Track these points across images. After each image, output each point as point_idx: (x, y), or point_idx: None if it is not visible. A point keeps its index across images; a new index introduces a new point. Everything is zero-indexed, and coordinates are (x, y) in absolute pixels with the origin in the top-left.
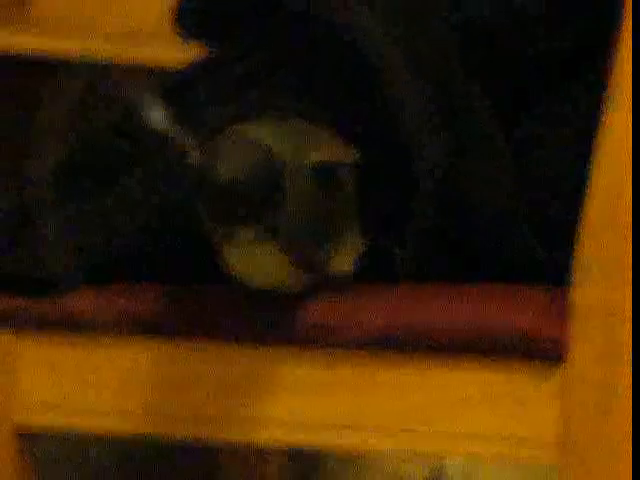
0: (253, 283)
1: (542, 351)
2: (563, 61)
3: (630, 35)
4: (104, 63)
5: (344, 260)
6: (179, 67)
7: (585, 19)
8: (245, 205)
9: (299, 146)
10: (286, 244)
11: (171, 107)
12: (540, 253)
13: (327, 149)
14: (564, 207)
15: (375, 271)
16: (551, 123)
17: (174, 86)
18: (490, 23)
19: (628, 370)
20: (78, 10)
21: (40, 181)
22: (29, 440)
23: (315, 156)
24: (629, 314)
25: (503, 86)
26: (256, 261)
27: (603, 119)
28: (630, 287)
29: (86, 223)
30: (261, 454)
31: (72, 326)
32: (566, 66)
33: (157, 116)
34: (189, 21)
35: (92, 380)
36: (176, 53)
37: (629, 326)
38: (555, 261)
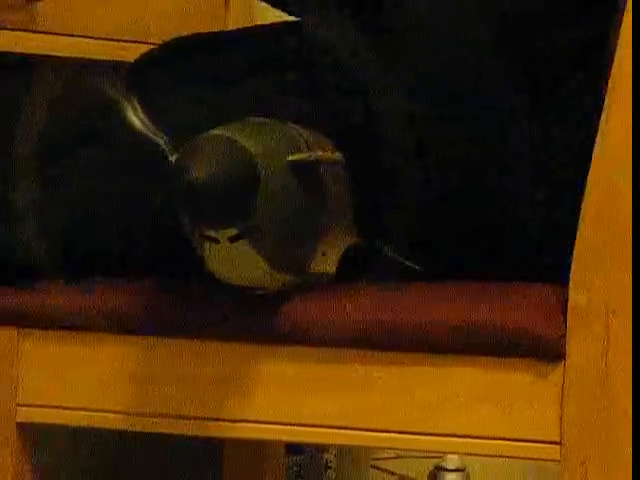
0: (232, 282)
1: (542, 349)
2: (568, 61)
3: (630, 34)
4: (90, 59)
5: (328, 260)
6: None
7: (589, 16)
8: (222, 206)
9: (277, 146)
10: (263, 245)
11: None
12: (540, 251)
13: (307, 149)
14: (564, 205)
15: (364, 270)
16: (554, 124)
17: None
18: (497, 20)
19: (628, 368)
20: (84, 10)
21: (17, 171)
22: (32, 434)
23: (294, 156)
24: (629, 312)
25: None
26: (235, 260)
27: (602, 119)
28: (630, 285)
29: (60, 212)
30: (263, 451)
31: (65, 325)
32: (572, 65)
33: (135, 116)
34: None
35: (89, 377)
36: None
37: (629, 324)
38: (555, 259)
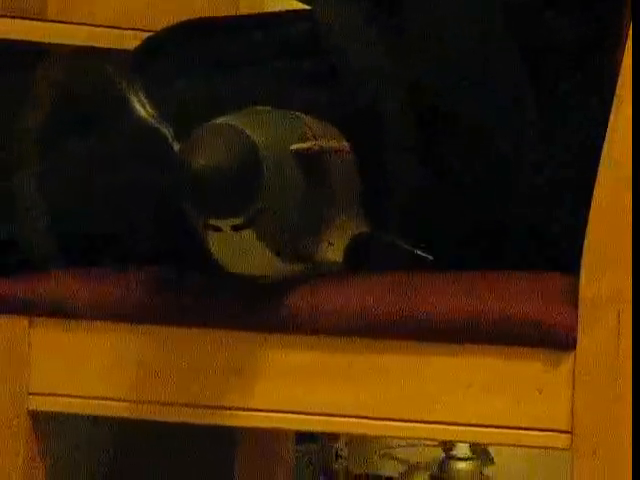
0: (237, 271)
1: (553, 339)
2: (569, 60)
3: (630, 33)
4: (96, 47)
5: (334, 249)
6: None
7: (589, 15)
8: (226, 195)
9: (282, 136)
10: (267, 234)
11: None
12: (550, 241)
13: (313, 138)
14: (575, 196)
15: (373, 259)
16: (561, 116)
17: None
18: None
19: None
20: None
21: (20, 161)
22: (44, 422)
23: (298, 145)
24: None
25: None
26: (239, 250)
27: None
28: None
29: (63, 202)
30: (274, 439)
31: (75, 314)
32: (572, 64)
33: (140, 104)
34: None
35: (99, 365)
36: None
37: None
38: (566, 249)
